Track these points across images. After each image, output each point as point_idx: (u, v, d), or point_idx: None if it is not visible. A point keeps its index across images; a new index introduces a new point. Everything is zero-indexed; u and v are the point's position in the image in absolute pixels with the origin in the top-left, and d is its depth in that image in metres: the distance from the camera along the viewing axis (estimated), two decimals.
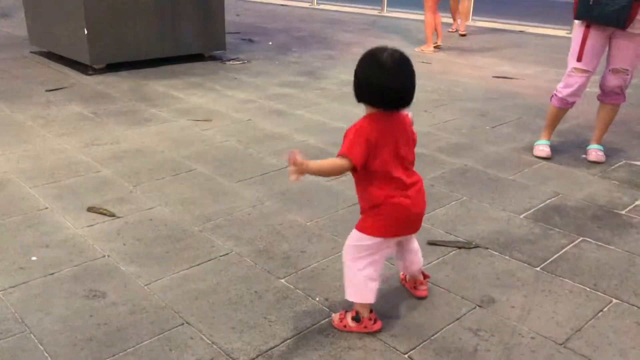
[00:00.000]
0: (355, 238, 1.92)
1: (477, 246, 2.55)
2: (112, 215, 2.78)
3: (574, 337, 1.98)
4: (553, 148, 3.69)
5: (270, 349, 1.89)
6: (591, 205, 2.98)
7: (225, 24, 6.50)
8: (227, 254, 2.46)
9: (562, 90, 3.52)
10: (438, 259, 2.45)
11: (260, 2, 12.03)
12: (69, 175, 3.22)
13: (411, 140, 1.92)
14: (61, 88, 5.09)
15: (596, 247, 2.56)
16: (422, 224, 2.00)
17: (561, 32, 8.37)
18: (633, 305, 2.16)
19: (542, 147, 3.66)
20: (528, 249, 2.54)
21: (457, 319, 2.06)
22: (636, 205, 2.99)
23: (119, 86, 5.21)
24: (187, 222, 2.72)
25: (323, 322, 2.03)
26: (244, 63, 6.29)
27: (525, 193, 3.11)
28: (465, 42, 7.74)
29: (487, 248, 2.54)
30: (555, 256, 2.49)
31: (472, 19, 9.45)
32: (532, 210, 2.91)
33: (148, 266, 2.36)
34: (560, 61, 5.71)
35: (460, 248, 2.53)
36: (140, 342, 1.92)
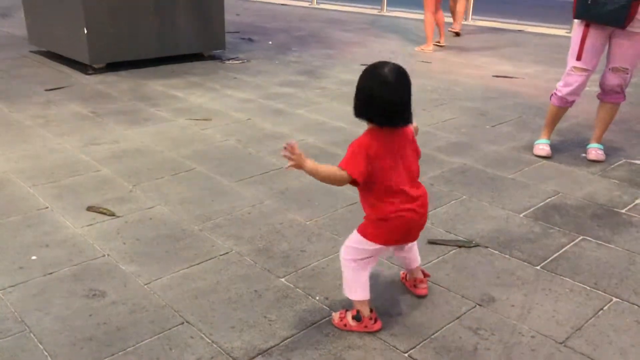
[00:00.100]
0: (356, 240, 1.92)
1: (477, 245, 2.55)
2: (112, 214, 2.78)
3: (574, 336, 1.97)
4: (553, 147, 3.69)
5: (270, 348, 1.89)
6: (591, 204, 2.98)
7: (225, 24, 6.50)
8: (226, 253, 2.46)
9: (562, 89, 3.52)
10: (438, 257, 2.45)
11: (260, 2, 12.02)
12: (69, 175, 3.22)
13: (415, 153, 1.92)
14: (61, 87, 5.08)
15: (596, 246, 2.56)
16: None
17: (561, 32, 8.37)
18: (633, 304, 2.16)
19: (542, 146, 3.66)
20: (528, 247, 2.54)
21: (457, 318, 2.06)
22: (636, 204, 2.99)
23: (118, 86, 5.21)
24: (186, 222, 2.72)
25: (323, 321, 2.03)
26: (243, 62, 6.29)
27: (525, 192, 3.11)
28: (465, 42, 7.73)
29: (487, 247, 2.54)
30: (555, 255, 2.49)
31: (471, 18, 9.45)
32: (532, 209, 2.91)
33: (148, 265, 2.36)
34: (560, 60, 5.71)
35: (460, 247, 2.53)
36: (140, 341, 1.92)
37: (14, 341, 1.91)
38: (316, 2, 11.63)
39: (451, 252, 2.49)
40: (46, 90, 4.99)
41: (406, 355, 1.88)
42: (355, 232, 1.93)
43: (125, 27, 5.64)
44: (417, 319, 2.05)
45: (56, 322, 2.00)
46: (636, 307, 2.14)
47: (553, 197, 3.05)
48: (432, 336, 1.96)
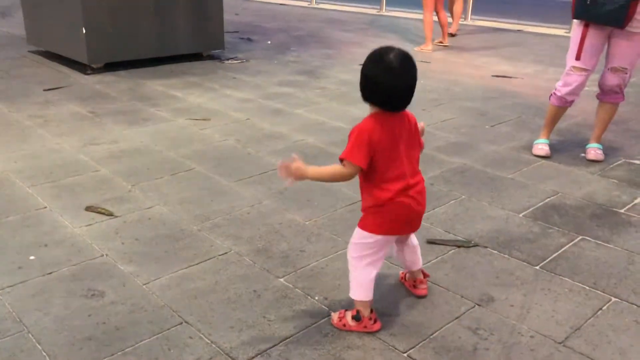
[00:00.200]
0: (359, 236, 1.92)
1: (476, 245, 2.55)
2: (111, 214, 2.77)
3: (574, 336, 1.97)
4: (552, 147, 3.69)
5: (269, 348, 1.89)
6: (590, 204, 2.98)
7: (224, 23, 6.50)
8: (225, 253, 2.46)
9: (561, 89, 3.52)
10: (437, 257, 2.45)
11: (259, 1, 12.02)
12: (68, 175, 3.22)
13: (416, 141, 1.92)
14: (59, 87, 5.08)
15: (595, 246, 2.56)
16: (422, 222, 1.99)
17: (560, 31, 8.38)
18: (632, 303, 2.16)
19: (541, 146, 3.66)
20: (527, 247, 2.54)
21: (457, 318, 2.06)
22: (635, 204, 2.99)
23: (117, 85, 5.20)
24: (185, 222, 2.72)
25: (322, 321, 2.03)
26: (242, 62, 6.29)
27: (524, 192, 3.11)
28: (465, 42, 7.73)
29: (486, 247, 2.54)
30: (554, 255, 2.49)
31: (470, 18, 9.45)
32: (531, 209, 2.91)
33: (147, 265, 2.35)
34: (559, 60, 5.71)
35: (459, 247, 2.53)
36: (139, 341, 1.91)
37: (13, 341, 1.90)
38: (315, 2, 11.63)
39: (450, 252, 2.49)
40: (45, 90, 4.98)
41: (405, 355, 1.87)
42: (356, 228, 1.93)
43: (124, 27, 5.63)
44: (416, 319, 2.05)
45: (55, 322, 2.00)
46: (635, 306, 2.14)
47: (552, 197, 3.05)
48: (432, 336, 1.96)
